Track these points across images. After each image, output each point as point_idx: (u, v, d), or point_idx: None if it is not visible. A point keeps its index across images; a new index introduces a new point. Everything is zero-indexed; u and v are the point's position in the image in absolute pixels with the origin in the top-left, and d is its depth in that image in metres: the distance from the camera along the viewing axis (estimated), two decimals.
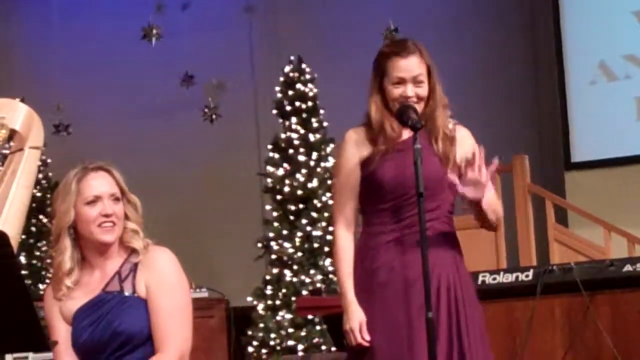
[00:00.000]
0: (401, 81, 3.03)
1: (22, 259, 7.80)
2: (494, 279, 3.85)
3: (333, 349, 6.57)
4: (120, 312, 2.73)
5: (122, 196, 2.81)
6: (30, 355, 2.35)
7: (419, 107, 3.03)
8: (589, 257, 6.63)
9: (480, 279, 3.87)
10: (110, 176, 2.80)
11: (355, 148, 3.06)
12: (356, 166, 3.05)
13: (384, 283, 2.98)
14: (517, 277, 3.82)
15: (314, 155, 7.40)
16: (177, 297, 2.74)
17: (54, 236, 2.79)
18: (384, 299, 2.98)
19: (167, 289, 2.73)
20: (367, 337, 2.97)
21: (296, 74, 7.57)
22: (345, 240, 3.05)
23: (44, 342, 2.37)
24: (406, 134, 3.05)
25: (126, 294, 2.75)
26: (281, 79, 7.62)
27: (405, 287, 2.97)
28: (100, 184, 2.78)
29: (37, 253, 7.97)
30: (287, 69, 7.60)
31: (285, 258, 7.26)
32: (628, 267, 3.69)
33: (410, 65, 3.03)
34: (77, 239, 2.79)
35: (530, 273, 3.81)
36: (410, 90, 3.03)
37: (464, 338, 2.95)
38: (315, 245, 7.11)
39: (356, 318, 2.98)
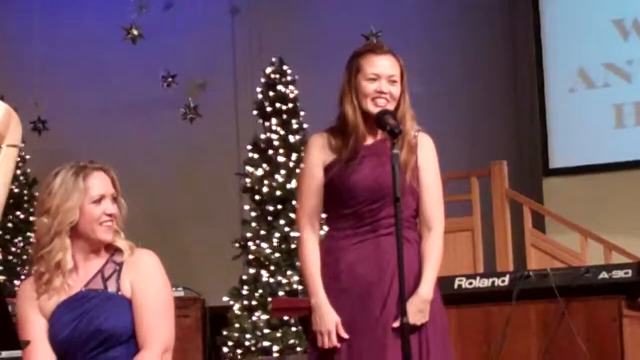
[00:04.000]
0: (376, 77, 3.05)
1: None
2: (470, 283, 3.85)
3: (309, 350, 6.56)
4: (104, 310, 2.75)
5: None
6: (3, 353, 2.33)
7: (390, 107, 3.04)
8: (565, 262, 6.66)
9: (457, 283, 3.87)
10: (108, 176, 2.84)
11: (320, 152, 3.07)
12: (321, 170, 3.07)
13: (347, 287, 3.00)
14: (493, 282, 3.82)
15: (294, 156, 7.39)
16: (162, 296, 2.79)
17: (49, 234, 2.77)
18: (347, 304, 2.99)
19: (153, 288, 2.78)
20: (345, 335, 2.96)
21: (277, 76, 7.56)
22: (312, 243, 3.06)
23: (16, 341, 2.35)
24: (369, 139, 3.07)
25: (110, 291, 2.77)
26: (262, 80, 7.61)
27: (368, 292, 2.98)
28: (104, 183, 2.81)
29: (14, 249, 7.91)
30: (268, 70, 7.59)
31: (262, 258, 7.25)
32: (604, 274, 3.70)
33: (386, 63, 3.06)
34: (71, 237, 2.79)
35: (507, 278, 3.81)
36: (384, 86, 3.04)
37: (422, 345, 2.97)
38: (293, 246, 7.10)
39: (331, 319, 2.98)
